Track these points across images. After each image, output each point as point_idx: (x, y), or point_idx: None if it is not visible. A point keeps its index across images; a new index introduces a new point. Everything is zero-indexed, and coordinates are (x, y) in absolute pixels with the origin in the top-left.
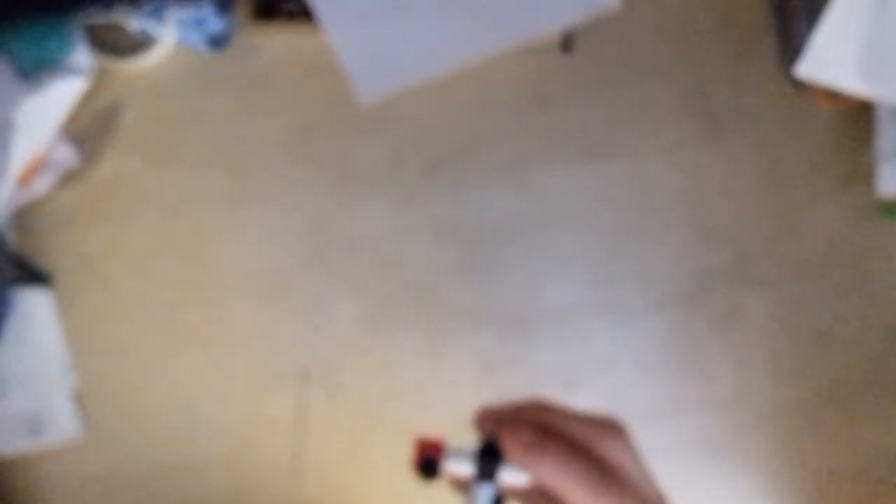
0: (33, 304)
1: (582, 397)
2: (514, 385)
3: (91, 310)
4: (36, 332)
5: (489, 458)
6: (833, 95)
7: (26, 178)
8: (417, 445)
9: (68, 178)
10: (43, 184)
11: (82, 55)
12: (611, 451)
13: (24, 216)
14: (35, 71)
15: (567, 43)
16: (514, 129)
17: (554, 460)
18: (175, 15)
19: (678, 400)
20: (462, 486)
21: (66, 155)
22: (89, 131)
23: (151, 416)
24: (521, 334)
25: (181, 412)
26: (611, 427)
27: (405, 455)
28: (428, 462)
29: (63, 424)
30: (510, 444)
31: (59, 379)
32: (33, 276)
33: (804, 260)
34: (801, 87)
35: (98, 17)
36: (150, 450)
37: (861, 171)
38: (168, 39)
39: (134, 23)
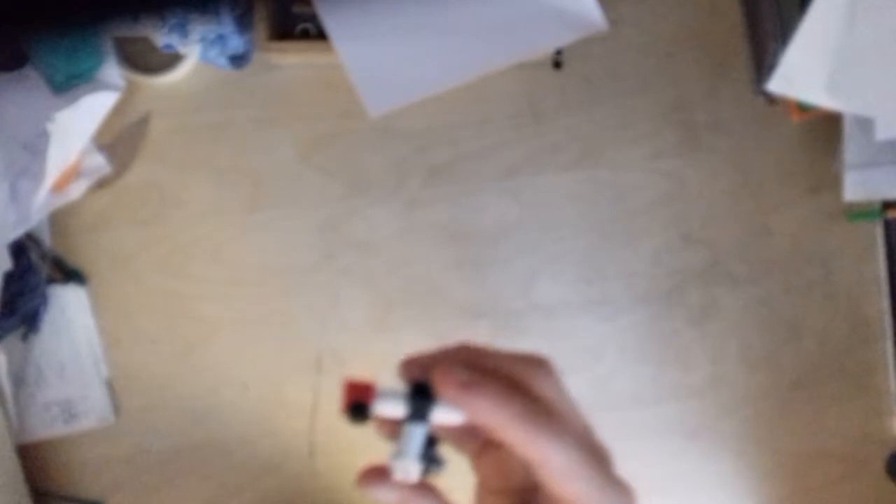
0: (68, 300)
1: (571, 384)
2: None
3: (122, 305)
4: (71, 326)
5: (421, 398)
6: (803, 109)
7: (61, 185)
8: (347, 388)
9: (100, 185)
10: (77, 190)
11: (114, 71)
12: (545, 388)
13: (60, 220)
14: (68, 85)
15: (558, 61)
16: (508, 139)
17: (490, 398)
18: (198, 31)
19: (658, 387)
20: (390, 431)
21: (99, 163)
22: (120, 141)
23: (177, 401)
24: (516, 327)
25: (204, 398)
26: (540, 362)
27: None
28: (357, 405)
29: (96, 410)
30: (444, 384)
31: (93, 368)
32: (68, 274)
33: (775, 259)
34: (772, 101)
35: (125, 33)
36: (175, 432)
37: (828, 178)
38: (192, 57)
39: (160, 40)
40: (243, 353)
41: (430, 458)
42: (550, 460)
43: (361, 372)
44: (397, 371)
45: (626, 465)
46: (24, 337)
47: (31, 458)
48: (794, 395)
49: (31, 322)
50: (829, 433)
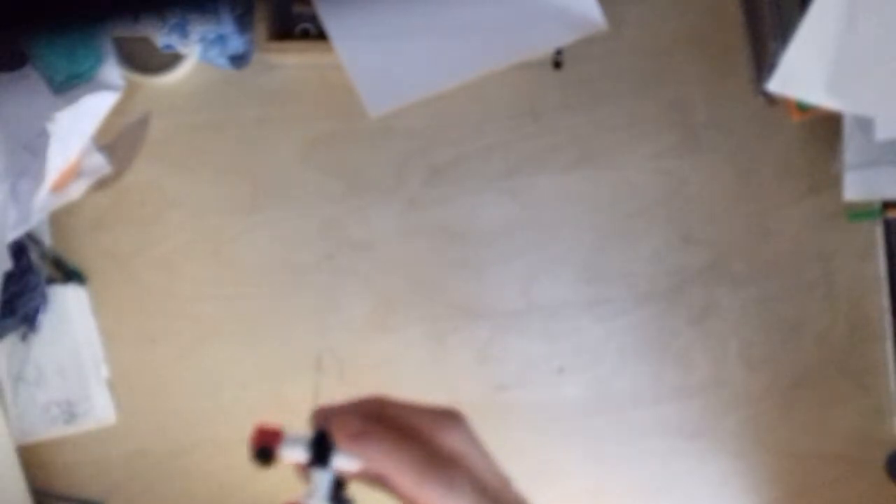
0: (68, 301)
1: (571, 384)
2: (509, 373)
3: (122, 305)
4: (71, 326)
5: (323, 445)
6: (803, 109)
7: (61, 185)
8: (255, 433)
9: (100, 185)
10: (77, 190)
11: (114, 71)
12: (446, 438)
13: (60, 219)
14: (68, 85)
15: (558, 61)
16: (509, 139)
17: (378, 447)
18: (198, 31)
19: (659, 386)
20: (304, 473)
21: (99, 163)
22: (120, 141)
23: (177, 401)
24: (516, 327)
25: (204, 397)
26: (448, 416)
27: None
28: (263, 450)
29: (96, 410)
30: (337, 433)
31: (93, 368)
32: (68, 274)
33: (775, 259)
34: (773, 101)
35: (125, 33)
36: (175, 433)
37: (828, 178)
38: (192, 57)
39: (160, 40)
40: (243, 353)
41: (339, 499)
42: None
43: (273, 420)
44: (309, 419)
45: (626, 465)
46: (24, 337)
47: (32, 458)
48: (794, 395)
49: (30, 322)
50: (829, 433)
